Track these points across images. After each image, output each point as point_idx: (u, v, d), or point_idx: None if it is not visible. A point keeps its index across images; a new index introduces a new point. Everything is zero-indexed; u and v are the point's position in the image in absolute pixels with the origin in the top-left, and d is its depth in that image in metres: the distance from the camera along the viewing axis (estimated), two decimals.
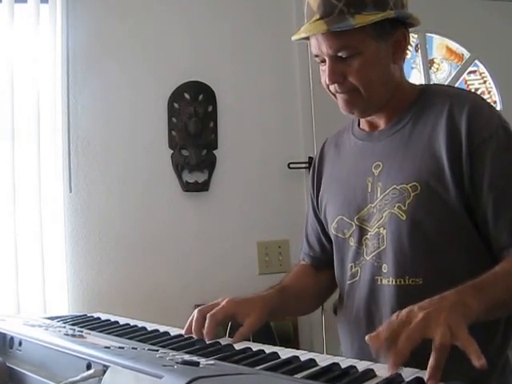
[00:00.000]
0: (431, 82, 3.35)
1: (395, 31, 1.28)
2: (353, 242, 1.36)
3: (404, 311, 0.96)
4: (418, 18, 1.32)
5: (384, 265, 1.29)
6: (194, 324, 1.24)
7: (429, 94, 1.34)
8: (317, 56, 1.31)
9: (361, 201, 1.34)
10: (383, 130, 1.36)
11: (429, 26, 3.38)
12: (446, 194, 1.22)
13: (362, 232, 1.34)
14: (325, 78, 1.31)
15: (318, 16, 1.25)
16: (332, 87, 1.32)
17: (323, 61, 1.30)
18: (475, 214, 1.23)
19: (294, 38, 1.32)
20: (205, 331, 1.21)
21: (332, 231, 1.42)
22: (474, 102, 1.27)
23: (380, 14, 1.22)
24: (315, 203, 1.53)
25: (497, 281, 1.08)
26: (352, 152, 1.42)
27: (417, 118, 1.31)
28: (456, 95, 1.31)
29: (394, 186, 1.28)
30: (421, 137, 1.28)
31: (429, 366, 0.86)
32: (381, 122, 1.37)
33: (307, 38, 1.31)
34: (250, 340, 1.23)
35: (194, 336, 1.22)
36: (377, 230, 1.30)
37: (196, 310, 1.27)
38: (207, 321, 1.23)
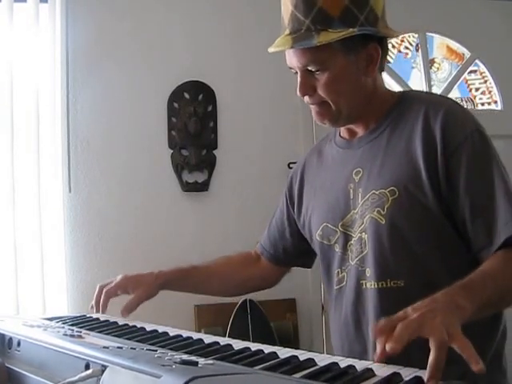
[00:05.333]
0: (432, 82, 3.35)
1: (367, 45, 1.29)
2: (338, 249, 1.38)
3: (399, 313, 0.96)
4: (393, 29, 1.32)
5: (367, 269, 1.31)
6: (94, 299, 1.51)
7: (406, 100, 1.36)
8: (291, 68, 1.35)
9: (344, 207, 1.36)
10: (362, 137, 1.38)
11: (429, 26, 3.39)
12: (423, 198, 1.24)
13: (347, 238, 1.36)
14: None
15: (287, 31, 1.29)
16: (305, 98, 1.35)
17: (297, 72, 1.33)
18: (453, 217, 1.25)
19: (269, 49, 1.35)
20: (100, 304, 1.50)
21: (317, 238, 1.44)
22: (449, 107, 1.28)
23: (343, 31, 1.24)
24: (292, 209, 1.54)
25: (485, 280, 1.10)
26: (334, 160, 1.45)
27: (394, 124, 1.33)
28: (431, 101, 1.33)
29: (374, 191, 1.30)
30: (398, 142, 1.30)
31: (429, 365, 0.85)
32: (359, 130, 1.39)
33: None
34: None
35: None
36: (359, 235, 1.32)
37: (98, 286, 1.54)
38: (102, 296, 1.51)
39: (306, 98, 1.34)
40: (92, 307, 1.53)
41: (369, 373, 0.87)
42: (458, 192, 1.22)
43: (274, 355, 0.99)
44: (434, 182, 1.23)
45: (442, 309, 0.95)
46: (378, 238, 1.28)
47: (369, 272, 1.30)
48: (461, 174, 1.22)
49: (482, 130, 1.26)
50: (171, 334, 1.24)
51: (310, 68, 1.29)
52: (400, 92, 1.47)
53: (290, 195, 1.56)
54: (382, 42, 1.31)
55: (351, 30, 1.24)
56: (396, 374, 0.85)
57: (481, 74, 3.48)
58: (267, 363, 0.93)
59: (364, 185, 1.32)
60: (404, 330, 0.90)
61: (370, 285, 1.29)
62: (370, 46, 1.29)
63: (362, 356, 1.22)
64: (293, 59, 1.30)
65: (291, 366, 0.91)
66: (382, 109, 1.36)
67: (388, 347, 0.89)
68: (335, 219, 1.37)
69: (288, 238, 1.58)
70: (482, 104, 3.47)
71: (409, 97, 1.39)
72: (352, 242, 1.34)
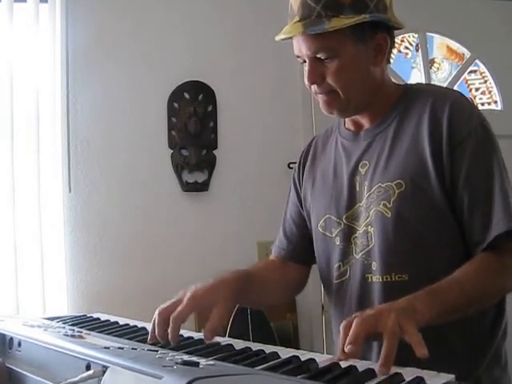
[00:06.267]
0: (432, 82, 3.35)
1: (376, 34, 1.29)
2: (339, 241, 1.37)
3: (358, 313, 1.02)
4: (401, 21, 1.33)
5: (373, 262, 1.30)
6: (156, 329, 1.15)
7: (412, 92, 1.36)
8: (298, 57, 1.34)
9: (350, 200, 1.36)
10: (368, 130, 1.38)
11: (429, 26, 3.38)
12: (430, 191, 1.24)
13: (351, 231, 1.35)
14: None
15: (297, 18, 1.29)
16: (312, 88, 1.34)
17: (305, 61, 1.33)
18: (455, 210, 1.25)
19: (276, 38, 1.34)
20: (170, 336, 1.13)
21: (319, 229, 1.42)
22: (455, 100, 1.29)
23: (355, 17, 1.23)
24: (301, 196, 1.53)
25: (451, 286, 1.12)
26: (338, 152, 1.44)
27: (401, 117, 1.33)
28: (438, 92, 1.34)
29: (380, 184, 1.29)
30: (406, 135, 1.30)
31: (381, 354, 0.91)
32: (365, 122, 1.39)
33: (291, 38, 1.33)
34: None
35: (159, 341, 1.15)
36: (365, 228, 1.32)
37: (156, 313, 1.18)
38: (171, 325, 1.14)
39: (314, 87, 1.33)
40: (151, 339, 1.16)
41: (370, 373, 0.87)
42: (458, 186, 1.23)
43: (275, 355, 0.99)
44: (440, 175, 1.23)
45: (398, 310, 1.00)
46: (383, 232, 1.28)
47: (375, 266, 1.29)
48: (462, 167, 1.23)
49: (485, 124, 1.27)
50: None
51: (319, 55, 1.28)
52: (405, 84, 1.47)
53: (299, 185, 1.54)
54: (389, 33, 1.32)
55: (363, 15, 1.24)
56: (397, 375, 0.86)
57: (481, 74, 3.47)
58: (268, 363, 0.94)
59: (370, 178, 1.32)
60: (360, 326, 0.97)
61: (377, 278, 1.29)
62: (379, 35, 1.29)
63: (366, 352, 1.19)
64: (302, 46, 1.29)
65: (292, 366, 0.92)
66: (388, 101, 1.36)
67: (346, 349, 0.95)
68: (339, 211, 1.37)
69: (303, 230, 1.50)
70: (482, 104, 3.47)
71: (414, 89, 1.39)
72: (356, 235, 1.33)
